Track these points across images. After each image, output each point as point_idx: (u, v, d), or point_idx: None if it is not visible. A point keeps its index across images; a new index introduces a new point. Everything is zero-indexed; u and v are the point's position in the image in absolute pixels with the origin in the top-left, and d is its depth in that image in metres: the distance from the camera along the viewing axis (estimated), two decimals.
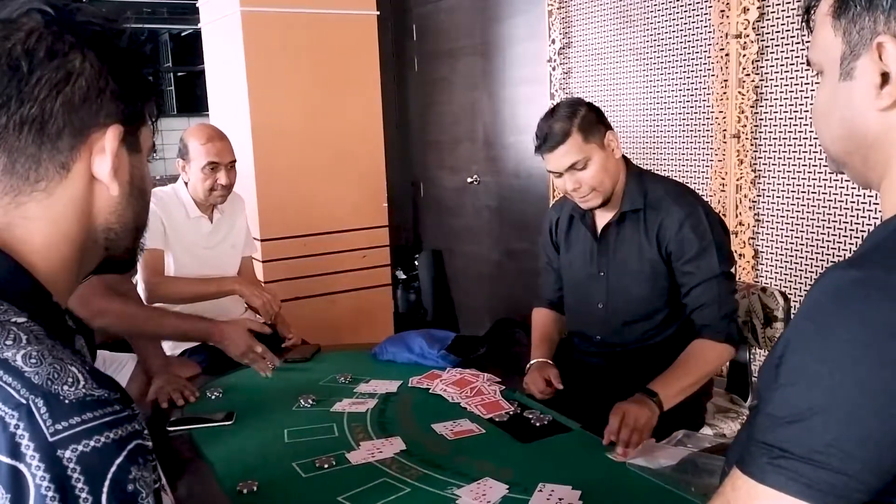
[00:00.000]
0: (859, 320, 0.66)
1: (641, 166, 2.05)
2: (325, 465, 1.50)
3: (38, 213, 0.74)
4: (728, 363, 2.38)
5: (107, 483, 0.61)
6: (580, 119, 1.84)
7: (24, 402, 0.60)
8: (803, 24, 0.85)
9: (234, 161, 2.43)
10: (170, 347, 2.32)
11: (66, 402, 0.61)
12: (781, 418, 0.69)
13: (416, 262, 4.91)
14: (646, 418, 1.60)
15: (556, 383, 1.86)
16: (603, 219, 1.99)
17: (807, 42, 0.85)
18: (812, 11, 0.83)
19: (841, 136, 0.80)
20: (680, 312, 1.94)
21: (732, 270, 1.90)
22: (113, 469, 0.61)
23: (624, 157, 1.96)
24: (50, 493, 0.59)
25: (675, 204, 1.88)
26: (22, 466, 0.59)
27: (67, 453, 0.60)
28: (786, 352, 0.71)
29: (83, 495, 0.60)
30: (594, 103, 1.93)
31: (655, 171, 3.00)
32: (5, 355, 0.63)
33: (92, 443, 0.61)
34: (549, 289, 2.20)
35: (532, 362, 1.99)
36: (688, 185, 2.92)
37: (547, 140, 1.84)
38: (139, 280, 2.33)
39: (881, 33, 0.73)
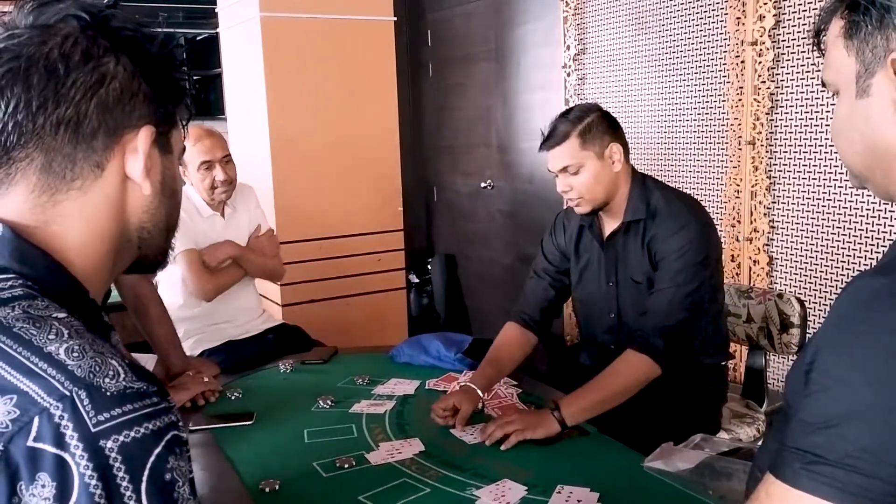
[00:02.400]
0: (888, 326, 0.68)
1: (655, 173, 2.03)
2: (346, 465, 1.52)
3: (74, 212, 0.76)
4: (743, 369, 2.38)
5: (146, 472, 0.63)
6: (585, 125, 1.84)
7: (67, 393, 0.62)
8: (814, 47, 0.86)
9: (228, 155, 2.45)
10: (189, 347, 2.35)
11: (108, 394, 0.63)
12: (814, 424, 0.70)
13: (429, 266, 4.92)
14: (529, 424, 1.63)
15: (458, 422, 1.70)
16: (609, 228, 1.97)
17: (817, 57, 0.86)
18: (822, 34, 0.84)
19: (861, 152, 0.82)
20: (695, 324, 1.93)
21: (696, 293, 1.79)
22: (152, 459, 0.63)
23: (631, 166, 1.94)
24: (93, 482, 0.61)
25: (671, 216, 1.84)
26: (67, 456, 0.60)
27: (109, 443, 0.62)
28: (816, 358, 0.72)
29: (124, 483, 0.62)
30: (609, 111, 1.93)
31: (670, 178, 3.02)
32: (49, 349, 0.65)
33: (132, 433, 0.63)
34: (531, 301, 2.06)
35: (460, 383, 1.85)
36: (703, 191, 2.95)
37: (548, 138, 1.88)
38: (188, 281, 2.37)
39: (894, 50, 0.75)
